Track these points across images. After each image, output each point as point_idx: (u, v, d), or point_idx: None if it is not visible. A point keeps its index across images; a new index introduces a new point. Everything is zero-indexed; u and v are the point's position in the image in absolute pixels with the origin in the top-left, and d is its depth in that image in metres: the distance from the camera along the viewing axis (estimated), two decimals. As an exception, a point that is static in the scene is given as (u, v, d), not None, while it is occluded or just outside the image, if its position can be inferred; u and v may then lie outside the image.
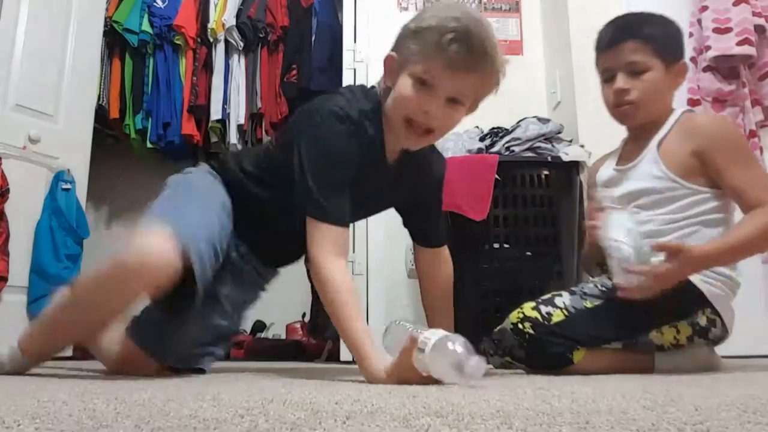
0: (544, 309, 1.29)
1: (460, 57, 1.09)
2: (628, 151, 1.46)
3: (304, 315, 2.90)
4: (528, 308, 1.31)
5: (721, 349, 1.39)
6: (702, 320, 1.30)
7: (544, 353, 1.27)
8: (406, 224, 1.49)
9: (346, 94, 1.24)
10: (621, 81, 1.36)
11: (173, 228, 1.09)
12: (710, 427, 0.51)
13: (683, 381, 1.04)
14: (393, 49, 1.20)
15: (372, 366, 1.03)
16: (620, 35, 1.37)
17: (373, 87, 1.28)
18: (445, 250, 1.47)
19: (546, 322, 1.27)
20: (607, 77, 1.41)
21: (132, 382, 1.08)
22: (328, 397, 0.77)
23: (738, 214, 1.31)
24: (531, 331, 1.27)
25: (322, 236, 1.15)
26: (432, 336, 0.92)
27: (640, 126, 1.41)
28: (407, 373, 0.95)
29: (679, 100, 2.28)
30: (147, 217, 1.19)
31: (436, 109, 1.13)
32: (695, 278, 1.28)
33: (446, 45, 1.08)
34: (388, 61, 1.20)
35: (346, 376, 1.27)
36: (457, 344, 0.90)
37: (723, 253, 1.23)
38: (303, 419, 0.57)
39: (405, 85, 1.14)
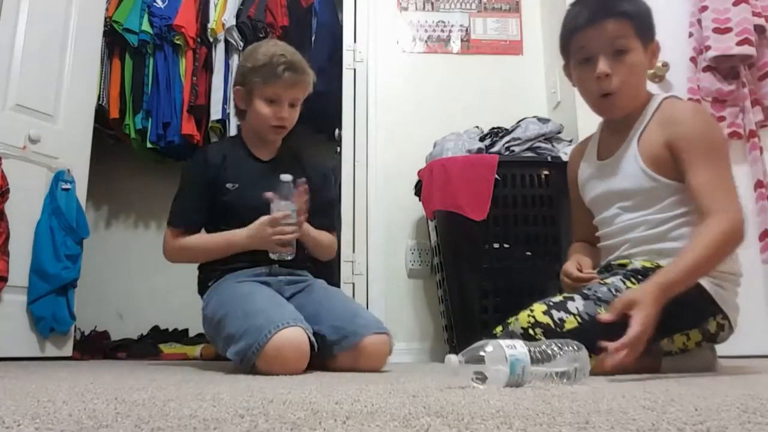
0: (556, 314, 1.22)
1: (291, 79, 1.66)
2: (607, 142, 1.41)
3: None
4: (539, 312, 1.23)
5: (721, 349, 1.39)
6: (712, 327, 1.29)
7: None
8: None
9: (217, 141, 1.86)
10: (604, 64, 1.28)
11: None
12: (710, 427, 0.51)
13: (683, 381, 1.04)
14: (237, 84, 1.75)
15: (242, 235, 1.61)
16: (601, 12, 1.29)
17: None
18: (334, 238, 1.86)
19: (558, 329, 1.20)
20: (584, 57, 1.32)
21: (132, 381, 1.08)
22: (328, 397, 0.77)
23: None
24: (542, 338, 1.19)
25: (166, 235, 1.72)
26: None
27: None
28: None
29: (679, 100, 2.30)
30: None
31: (285, 114, 1.70)
32: (705, 282, 1.26)
33: (281, 73, 1.65)
34: (237, 93, 1.75)
35: (346, 376, 1.27)
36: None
37: (681, 281, 1.15)
38: (303, 419, 0.57)
39: (261, 106, 1.69)
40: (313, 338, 1.41)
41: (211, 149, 1.81)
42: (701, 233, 1.18)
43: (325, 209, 1.83)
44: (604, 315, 1.12)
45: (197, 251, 1.70)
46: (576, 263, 1.42)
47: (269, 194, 1.57)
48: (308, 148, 1.89)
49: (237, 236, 1.62)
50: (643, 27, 1.31)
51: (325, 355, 1.49)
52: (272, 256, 1.61)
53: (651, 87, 2.33)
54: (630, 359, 1.04)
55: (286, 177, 1.59)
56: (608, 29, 1.28)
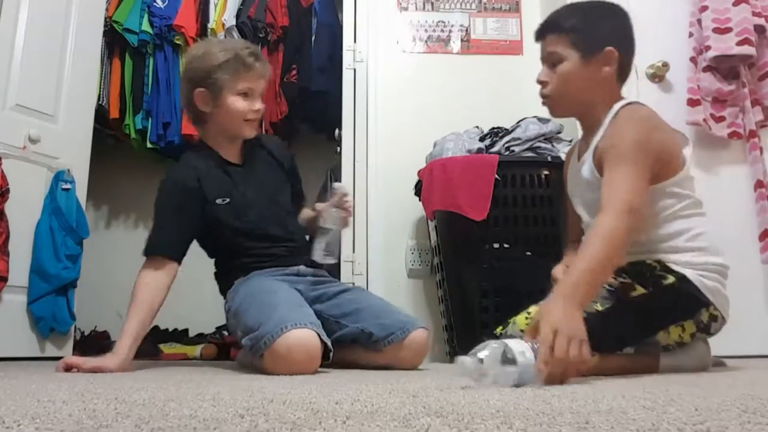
0: None
1: (262, 68, 1.68)
2: (582, 148, 1.46)
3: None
4: (536, 313, 1.23)
5: (721, 349, 1.39)
6: (704, 317, 1.30)
7: None
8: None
9: (182, 158, 1.73)
10: (541, 73, 1.40)
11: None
12: (710, 427, 0.51)
13: (683, 381, 1.04)
14: (197, 87, 1.65)
15: (114, 356, 1.44)
16: (544, 28, 1.42)
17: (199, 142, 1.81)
18: None
19: None
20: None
21: (132, 382, 1.08)
22: (328, 397, 0.77)
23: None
24: None
25: (144, 263, 1.60)
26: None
27: (582, 120, 1.44)
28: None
29: (679, 100, 2.30)
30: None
31: (260, 105, 1.70)
32: (689, 273, 1.28)
33: (251, 64, 1.65)
34: (200, 95, 1.66)
35: (346, 376, 1.27)
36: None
37: (580, 284, 1.10)
38: (303, 419, 0.57)
39: (234, 101, 1.65)
40: (329, 343, 1.42)
41: (182, 169, 1.68)
42: (591, 233, 1.18)
43: (302, 194, 1.88)
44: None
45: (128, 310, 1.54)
46: (563, 266, 1.46)
47: (321, 206, 1.65)
48: (265, 137, 1.95)
49: (120, 349, 1.46)
50: (583, 39, 1.36)
51: (371, 350, 1.57)
52: (318, 260, 1.64)
53: (651, 87, 2.35)
54: (559, 373, 0.98)
55: (340, 185, 1.68)
56: (546, 43, 1.40)
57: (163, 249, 1.60)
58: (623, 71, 1.39)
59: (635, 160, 1.23)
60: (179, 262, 1.62)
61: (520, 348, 0.94)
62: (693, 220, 1.35)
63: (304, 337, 1.36)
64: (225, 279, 1.72)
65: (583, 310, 1.18)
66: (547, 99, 1.41)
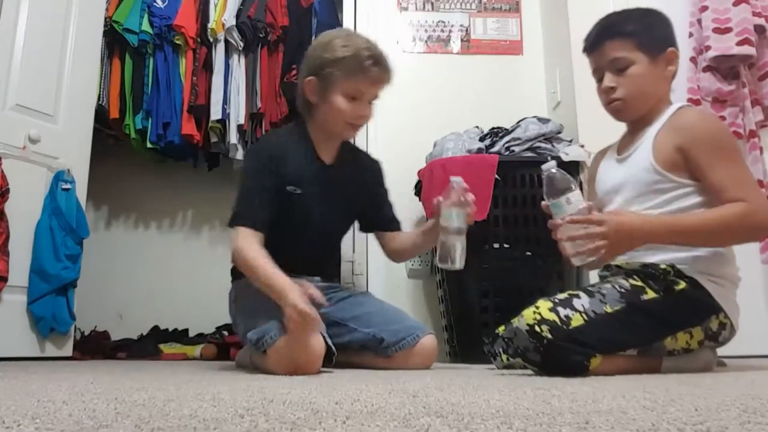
0: (562, 312, 1.22)
1: (378, 74, 1.56)
2: (626, 143, 1.49)
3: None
4: (545, 309, 1.23)
5: (721, 349, 1.39)
6: (714, 325, 1.30)
7: (562, 360, 1.20)
8: (370, 225, 1.85)
9: (278, 130, 1.78)
10: (607, 79, 1.41)
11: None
12: (710, 427, 0.51)
13: (683, 381, 1.04)
14: (309, 75, 1.59)
15: (290, 297, 1.32)
16: (602, 36, 1.42)
17: (297, 118, 1.74)
18: None
19: (565, 327, 1.20)
20: (598, 77, 1.45)
21: (132, 382, 1.08)
22: (328, 397, 0.77)
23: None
24: (549, 336, 1.18)
25: (236, 235, 1.49)
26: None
27: (636, 119, 1.45)
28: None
29: (679, 100, 2.29)
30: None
31: (366, 111, 1.60)
32: (702, 279, 1.28)
33: (368, 67, 1.54)
34: (309, 84, 1.59)
35: (346, 376, 1.27)
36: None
37: (665, 234, 1.27)
38: (303, 419, 0.57)
39: (340, 102, 1.56)
40: (332, 346, 1.42)
41: (274, 142, 1.64)
42: (717, 208, 1.26)
43: (392, 207, 1.85)
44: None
45: (252, 272, 1.46)
46: None
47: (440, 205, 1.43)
48: (365, 153, 1.89)
49: (281, 292, 1.37)
50: (648, 41, 1.40)
51: (381, 356, 1.58)
52: (440, 264, 1.44)
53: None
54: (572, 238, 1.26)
55: (457, 179, 1.44)
56: (607, 51, 1.41)
57: (251, 221, 1.51)
58: None
59: (738, 154, 1.34)
60: (266, 232, 1.53)
61: (578, 197, 1.26)
62: None
63: (308, 337, 1.36)
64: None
65: (595, 311, 1.23)
66: (618, 103, 1.42)
